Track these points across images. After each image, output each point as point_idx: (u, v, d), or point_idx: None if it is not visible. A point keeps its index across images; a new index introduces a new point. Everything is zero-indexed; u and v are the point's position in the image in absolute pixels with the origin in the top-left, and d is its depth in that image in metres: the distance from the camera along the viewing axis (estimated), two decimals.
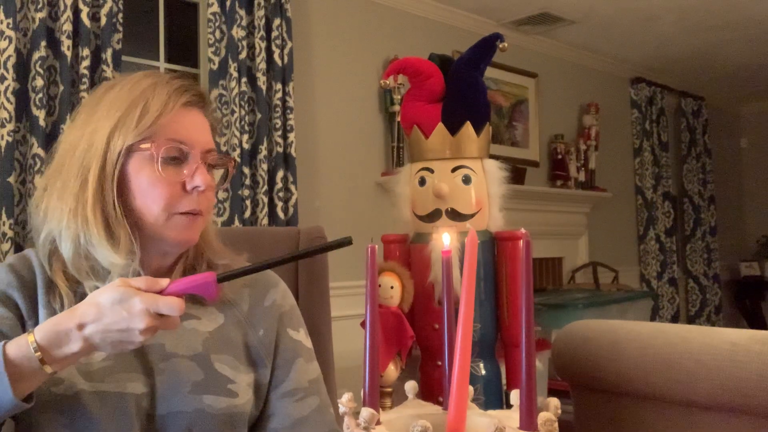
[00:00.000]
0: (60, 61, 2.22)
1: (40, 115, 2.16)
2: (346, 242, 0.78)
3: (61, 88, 2.21)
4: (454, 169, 1.82)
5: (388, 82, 1.90)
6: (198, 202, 0.95)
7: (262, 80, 2.74)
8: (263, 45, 2.76)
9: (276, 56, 2.79)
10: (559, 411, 0.76)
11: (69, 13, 2.24)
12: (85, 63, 2.26)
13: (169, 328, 0.80)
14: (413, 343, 1.78)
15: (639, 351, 1.40)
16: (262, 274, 1.08)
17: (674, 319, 5.04)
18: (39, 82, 2.16)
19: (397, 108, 3.23)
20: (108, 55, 2.33)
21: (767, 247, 5.97)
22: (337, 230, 2.56)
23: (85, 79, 2.26)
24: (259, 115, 2.72)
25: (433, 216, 1.83)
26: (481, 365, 1.81)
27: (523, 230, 0.83)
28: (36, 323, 0.91)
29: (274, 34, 2.80)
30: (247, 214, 2.66)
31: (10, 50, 2.11)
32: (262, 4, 2.78)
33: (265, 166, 2.71)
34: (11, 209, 2.09)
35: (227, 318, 1.01)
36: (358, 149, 3.27)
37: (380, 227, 2.05)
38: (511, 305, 1.81)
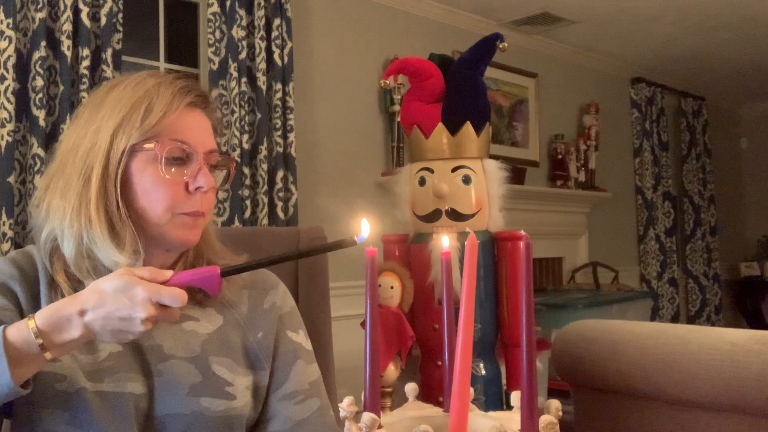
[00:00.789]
0: (60, 61, 2.22)
1: (40, 115, 2.16)
2: (350, 243, 0.78)
3: (61, 88, 2.21)
4: (454, 169, 1.82)
5: (388, 82, 1.90)
6: (201, 202, 0.95)
7: (262, 80, 2.74)
8: (263, 45, 2.76)
9: (276, 56, 2.79)
10: (560, 413, 0.76)
11: (69, 13, 2.24)
12: (85, 63, 2.26)
13: (169, 320, 0.80)
14: (413, 343, 1.78)
15: (639, 351, 1.40)
16: (261, 276, 1.08)
17: (674, 319, 5.04)
18: (39, 82, 2.16)
19: (397, 108, 3.23)
20: (108, 55, 2.33)
21: (767, 247, 5.97)
22: (338, 230, 2.55)
23: (85, 79, 2.26)
24: (259, 115, 2.72)
25: (433, 216, 1.83)
26: (482, 365, 1.81)
27: (523, 232, 0.82)
28: None
29: (274, 34, 2.80)
30: (247, 214, 2.66)
31: (10, 50, 2.11)
32: (262, 4, 2.78)
33: (265, 166, 2.71)
34: (11, 209, 2.09)
35: (226, 320, 1.01)
36: (358, 149, 3.27)
37: (380, 227, 2.05)
38: (511, 305, 1.81)
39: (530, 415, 0.72)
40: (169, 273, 0.80)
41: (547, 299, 3.49)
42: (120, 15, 2.40)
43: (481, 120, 1.86)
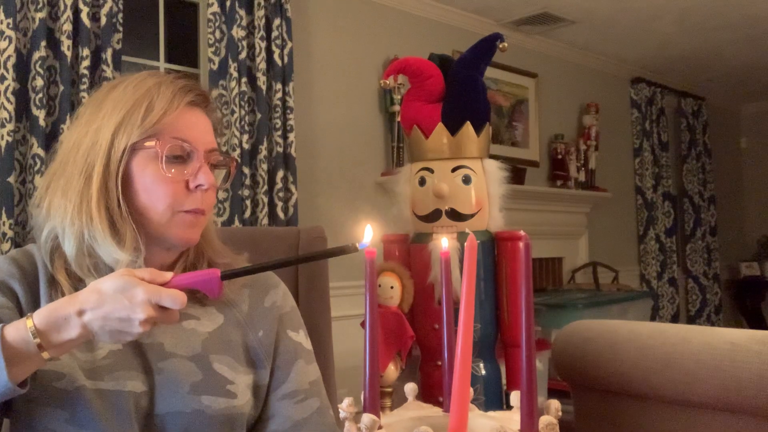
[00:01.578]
0: (60, 61, 2.22)
1: (40, 115, 2.16)
2: (352, 249, 0.77)
3: (61, 88, 2.21)
4: (454, 169, 1.82)
5: (388, 82, 1.90)
6: (201, 200, 0.95)
7: (262, 80, 2.74)
8: (263, 45, 2.76)
9: (276, 56, 2.79)
10: (560, 413, 0.76)
11: (69, 13, 2.24)
12: (85, 63, 2.26)
13: (168, 322, 0.80)
14: (413, 343, 1.78)
15: (639, 351, 1.40)
16: (262, 275, 1.08)
17: (674, 319, 5.04)
18: (39, 82, 2.16)
19: (397, 108, 3.23)
20: (108, 55, 2.33)
21: (767, 247, 5.97)
22: (337, 230, 2.56)
23: (85, 79, 2.26)
24: (259, 115, 2.72)
25: (433, 216, 1.83)
26: (481, 365, 1.81)
27: (522, 232, 0.82)
28: None
29: (274, 34, 2.80)
30: (247, 214, 2.66)
31: (10, 50, 2.11)
32: (262, 4, 2.78)
33: (265, 166, 2.71)
34: (11, 209, 2.09)
35: (227, 318, 1.01)
36: (358, 149, 3.27)
37: (380, 227, 2.05)
38: (511, 305, 1.81)
39: (530, 415, 0.72)
40: (169, 275, 0.80)
41: (547, 299, 3.49)
42: (120, 15, 2.40)
43: (481, 120, 1.86)
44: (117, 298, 0.76)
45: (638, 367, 1.39)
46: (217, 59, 2.67)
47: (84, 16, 2.27)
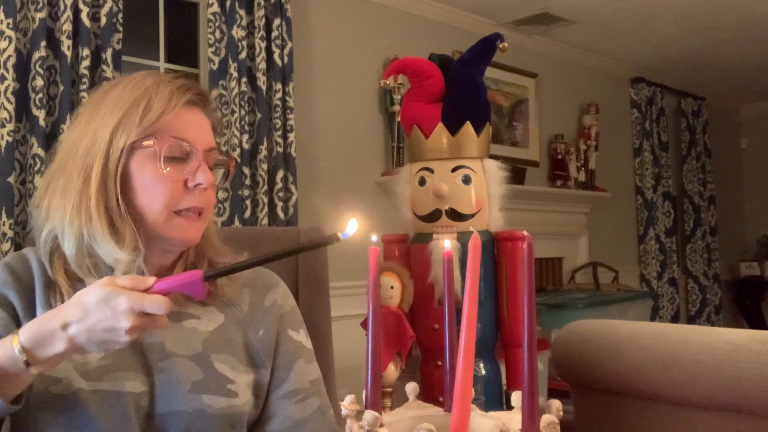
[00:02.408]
0: (60, 61, 2.22)
1: (40, 115, 2.16)
2: (334, 239, 0.77)
3: (61, 88, 2.21)
4: (454, 169, 1.82)
5: (388, 82, 1.90)
6: (200, 199, 0.95)
7: (262, 80, 2.74)
8: (263, 45, 2.76)
9: (276, 56, 2.79)
10: (561, 413, 0.76)
11: (69, 13, 2.24)
12: (85, 63, 2.26)
13: (156, 327, 0.79)
14: (413, 343, 1.78)
15: (639, 351, 1.40)
16: (262, 275, 1.08)
17: (674, 319, 5.04)
18: (39, 82, 2.16)
19: (397, 108, 3.23)
20: (108, 55, 2.33)
21: (767, 247, 5.97)
22: (337, 230, 2.55)
23: (85, 79, 2.26)
24: (259, 115, 2.72)
25: (433, 216, 1.83)
26: (482, 365, 1.81)
27: (525, 232, 0.82)
28: None
29: (274, 34, 2.80)
30: (247, 214, 2.66)
31: (10, 50, 2.11)
32: (262, 4, 2.78)
33: (265, 166, 2.71)
34: (11, 209, 2.09)
35: (227, 318, 1.01)
36: (358, 149, 3.27)
37: (380, 227, 2.05)
38: (511, 305, 1.80)
39: (531, 415, 0.72)
40: (151, 279, 0.79)
41: (547, 299, 3.49)
42: (120, 15, 2.40)
43: (481, 120, 1.86)
44: (100, 309, 0.76)
45: (638, 367, 1.39)
46: (217, 59, 2.67)
47: (84, 16, 2.27)
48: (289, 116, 2.80)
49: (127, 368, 0.91)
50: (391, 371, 1.71)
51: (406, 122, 1.93)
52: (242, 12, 2.71)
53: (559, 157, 4.31)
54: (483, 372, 1.81)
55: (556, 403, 0.77)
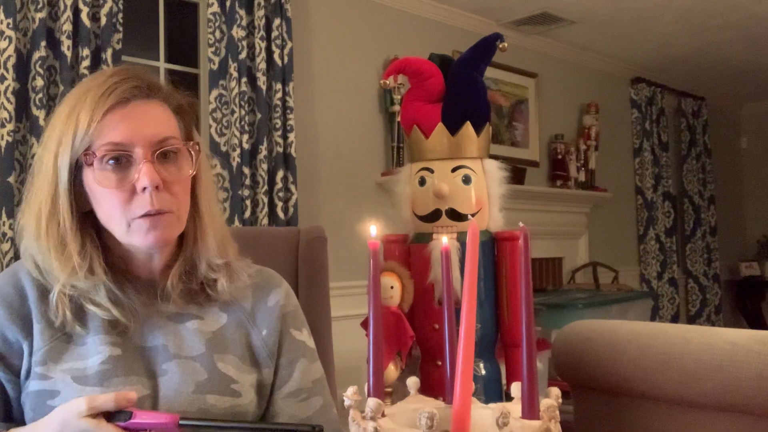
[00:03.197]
0: (60, 61, 2.22)
1: (40, 115, 2.16)
2: (318, 428, 0.77)
3: (61, 88, 2.21)
4: (454, 169, 1.82)
5: (388, 82, 1.90)
6: (153, 202, 0.90)
7: (262, 80, 2.74)
8: (263, 45, 2.76)
9: (276, 56, 2.79)
10: (560, 399, 0.76)
11: (69, 13, 2.24)
12: (85, 63, 2.27)
13: None
14: (413, 343, 1.78)
15: (639, 351, 1.40)
16: (265, 275, 1.08)
17: (674, 319, 5.04)
18: (39, 82, 2.16)
19: (397, 108, 3.23)
20: (108, 55, 2.33)
21: (767, 247, 5.97)
22: (337, 230, 2.56)
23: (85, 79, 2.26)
24: (259, 115, 2.72)
25: (433, 216, 1.83)
26: (481, 365, 1.81)
27: (521, 224, 0.83)
28: (32, 342, 0.91)
29: (274, 34, 2.80)
30: (247, 214, 2.66)
31: (10, 50, 2.11)
32: (262, 4, 2.78)
33: (265, 166, 2.71)
34: (11, 209, 2.09)
35: (230, 318, 1.01)
36: (358, 149, 3.27)
37: (380, 227, 2.05)
38: (511, 305, 1.81)
39: (531, 401, 0.73)
40: (132, 394, 0.81)
41: (547, 299, 3.49)
42: (120, 15, 2.40)
43: (481, 120, 1.86)
44: None
45: (638, 367, 1.39)
46: (217, 59, 2.67)
47: (84, 16, 2.27)
48: (289, 116, 2.80)
49: (129, 373, 0.91)
50: (391, 371, 1.71)
51: (406, 122, 1.93)
52: (242, 12, 2.71)
53: (559, 157, 4.31)
54: (483, 372, 1.81)
55: (555, 390, 0.77)
